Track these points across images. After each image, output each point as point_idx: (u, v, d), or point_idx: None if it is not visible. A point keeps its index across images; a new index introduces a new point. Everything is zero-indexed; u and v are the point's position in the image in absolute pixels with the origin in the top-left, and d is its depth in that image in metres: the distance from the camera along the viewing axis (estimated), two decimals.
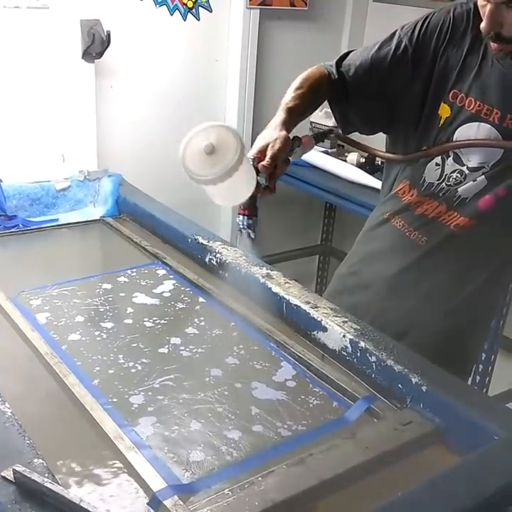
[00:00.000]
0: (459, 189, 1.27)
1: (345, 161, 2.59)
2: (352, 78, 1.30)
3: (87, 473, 0.91)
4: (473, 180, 1.25)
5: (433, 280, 1.32)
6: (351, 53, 1.34)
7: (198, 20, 2.49)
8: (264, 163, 1.07)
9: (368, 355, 1.13)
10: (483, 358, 2.18)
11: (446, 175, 1.28)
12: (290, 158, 1.17)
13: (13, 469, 0.80)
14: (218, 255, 1.50)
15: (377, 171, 2.50)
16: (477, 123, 1.21)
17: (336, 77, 1.31)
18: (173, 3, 2.40)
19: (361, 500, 0.90)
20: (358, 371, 1.15)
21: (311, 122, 2.80)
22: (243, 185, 1.06)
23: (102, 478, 0.91)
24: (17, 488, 0.79)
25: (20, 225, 1.74)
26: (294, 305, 1.29)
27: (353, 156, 2.60)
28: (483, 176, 1.24)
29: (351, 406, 1.08)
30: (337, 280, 1.51)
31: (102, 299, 1.40)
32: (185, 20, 2.46)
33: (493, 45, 1.14)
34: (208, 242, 1.55)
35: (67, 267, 1.58)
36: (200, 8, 2.47)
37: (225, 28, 2.56)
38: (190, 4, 2.44)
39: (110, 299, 1.41)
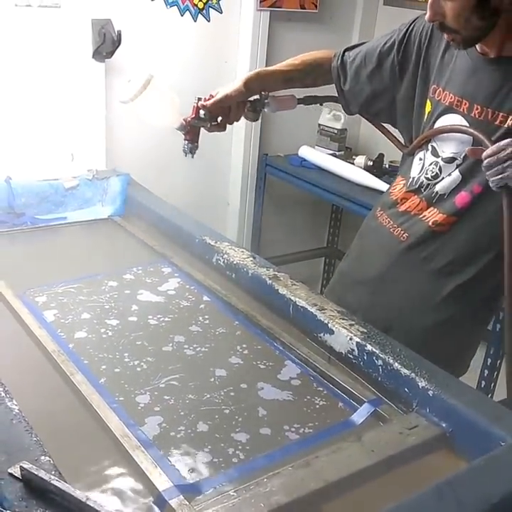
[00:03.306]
0: (436, 185, 1.29)
1: (353, 163, 2.59)
2: (351, 64, 1.42)
3: (93, 472, 0.92)
4: (449, 175, 1.27)
5: (414, 277, 1.34)
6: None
7: (208, 21, 2.49)
8: (204, 102, 1.37)
9: (374, 358, 1.13)
10: (488, 364, 2.17)
11: (425, 168, 1.31)
12: (266, 109, 1.43)
13: (20, 466, 0.80)
14: (225, 256, 1.50)
15: (385, 174, 2.50)
16: (450, 114, 1.26)
17: (340, 61, 1.43)
18: (183, 4, 2.40)
19: (366, 503, 0.90)
20: (364, 374, 1.15)
21: (319, 124, 2.81)
22: (161, 109, 1.39)
23: (108, 477, 0.91)
24: (24, 485, 0.79)
25: (29, 223, 1.75)
26: (301, 307, 1.29)
27: (360, 159, 2.60)
28: (457, 171, 1.25)
29: (357, 409, 1.08)
30: (336, 276, 1.56)
31: (107, 296, 1.41)
32: (195, 21, 2.46)
33: (445, 35, 1.19)
34: (216, 242, 1.55)
35: (74, 265, 1.58)
36: (210, 9, 2.48)
37: (235, 29, 2.57)
38: (200, 5, 2.44)
39: (115, 296, 1.41)
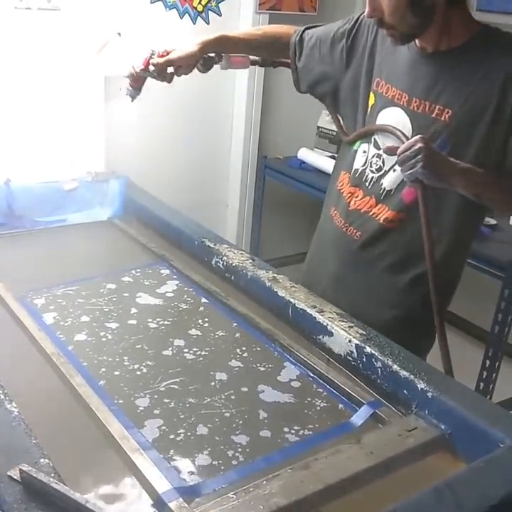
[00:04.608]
0: (382, 180, 1.30)
1: None
2: (308, 42, 1.44)
3: (92, 474, 0.92)
4: (393, 170, 1.28)
5: (369, 274, 1.36)
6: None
7: (208, 24, 2.49)
8: (157, 58, 1.41)
9: (373, 360, 1.13)
10: (487, 365, 2.17)
11: (368, 160, 1.33)
12: (219, 66, 1.47)
13: (20, 469, 0.80)
14: (225, 258, 1.50)
15: None
16: (391, 108, 1.28)
17: (298, 37, 1.46)
18: (183, 7, 2.41)
19: (365, 505, 0.90)
20: (363, 376, 1.16)
21: (318, 127, 2.81)
22: (115, 64, 1.65)
23: (107, 479, 0.91)
24: (23, 487, 0.80)
25: (28, 225, 1.75)
26: (300, 309, 1.29)
27: None
28: None
29: (356, 411, 1.08)
30: (301, 277, 1.57)
31: (106, 298, 1.41)
32: (194, 24, 2.47)
33: (385, 30, 1.21)
34: (215, 244, 1.55)
35: (73, 267, 1.58)
36: (209, 12, 2.48)
37: None
38: (200, 8, 2.45)
39: (114, 299, 1.41)
